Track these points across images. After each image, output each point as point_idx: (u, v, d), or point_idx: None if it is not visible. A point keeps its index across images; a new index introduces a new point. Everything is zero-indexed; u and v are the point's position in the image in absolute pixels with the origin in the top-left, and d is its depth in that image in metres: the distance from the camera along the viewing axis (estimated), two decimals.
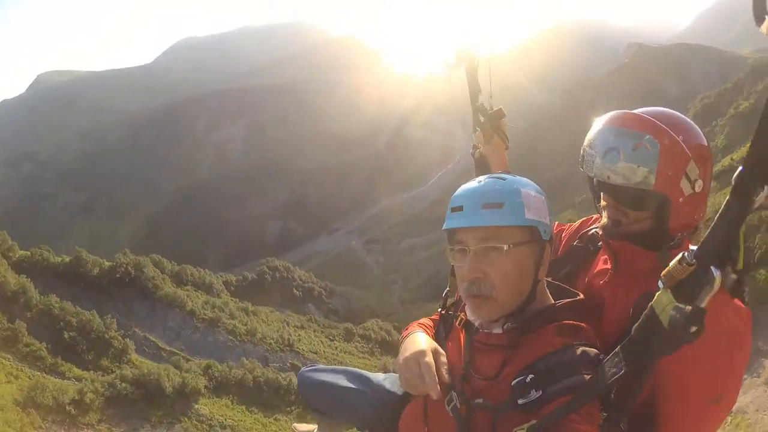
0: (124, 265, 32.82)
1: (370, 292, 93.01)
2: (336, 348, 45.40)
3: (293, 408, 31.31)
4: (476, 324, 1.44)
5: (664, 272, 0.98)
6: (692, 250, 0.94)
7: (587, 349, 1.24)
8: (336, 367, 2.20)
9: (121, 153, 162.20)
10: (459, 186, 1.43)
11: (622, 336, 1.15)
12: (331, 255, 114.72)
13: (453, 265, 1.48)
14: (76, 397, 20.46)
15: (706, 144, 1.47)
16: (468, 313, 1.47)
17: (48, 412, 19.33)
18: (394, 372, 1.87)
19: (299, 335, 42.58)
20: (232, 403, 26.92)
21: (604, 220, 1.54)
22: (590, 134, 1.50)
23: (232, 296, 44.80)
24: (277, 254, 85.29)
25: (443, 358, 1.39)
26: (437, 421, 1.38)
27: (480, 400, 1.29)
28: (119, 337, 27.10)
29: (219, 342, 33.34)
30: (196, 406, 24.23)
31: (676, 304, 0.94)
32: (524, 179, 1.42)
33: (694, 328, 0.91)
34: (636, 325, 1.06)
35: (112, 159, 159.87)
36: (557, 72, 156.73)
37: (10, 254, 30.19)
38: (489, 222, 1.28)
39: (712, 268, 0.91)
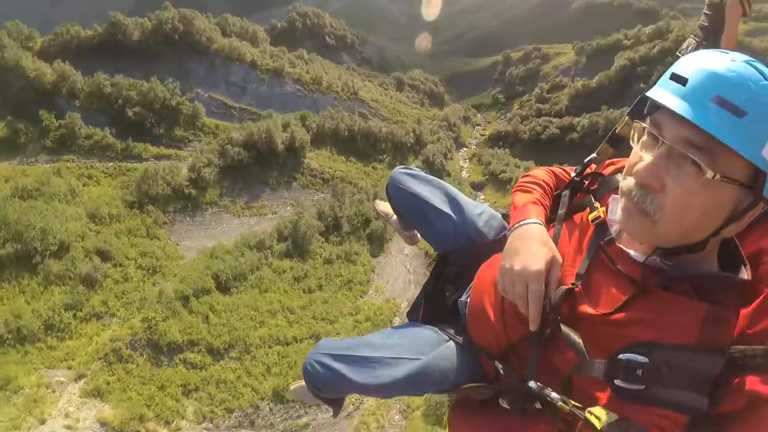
0: (170, 21, 26.44)
1: (396, 43, 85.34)
2: (392, 98, 42.29)
3: (385, 156, 29.55)
4: (611, 231, 1.08)
5: None
6: None
7: (720, 359, 0.88)
8: (434, 178, 1.84)
9: None
10: None
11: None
12: (346, 1, 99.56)
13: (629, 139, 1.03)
14: (193, 176, 17.64)
15: None
16: (611, 211, 1.10)
17: (167, 201, 16.67)
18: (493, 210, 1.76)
19: (357, 84, 38.05)
20: (332, 154, 24.61)
21: None
22: None
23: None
24: (286, 2, 74.15)
25: (557, 273, 1.08)
26: (512, 311, 1.12)
27: (573, 336, 1.00)
28: (186, 102, 23.36)
29: (287, 93, 29.37)
30: (305, 161, 21.76)
31: None
32: None
33: None
34: None
35: None
36: None
37: (31, 44, 24.63)
38: (709, 126, 0.83)
39: None
